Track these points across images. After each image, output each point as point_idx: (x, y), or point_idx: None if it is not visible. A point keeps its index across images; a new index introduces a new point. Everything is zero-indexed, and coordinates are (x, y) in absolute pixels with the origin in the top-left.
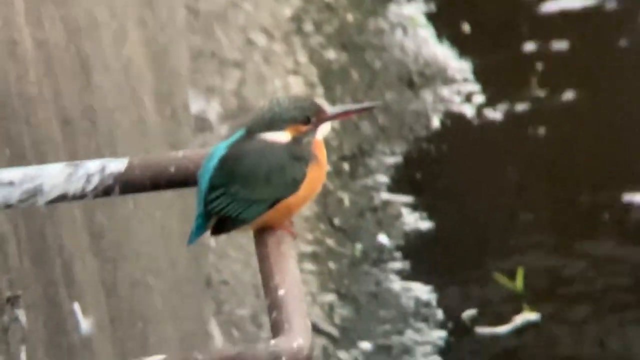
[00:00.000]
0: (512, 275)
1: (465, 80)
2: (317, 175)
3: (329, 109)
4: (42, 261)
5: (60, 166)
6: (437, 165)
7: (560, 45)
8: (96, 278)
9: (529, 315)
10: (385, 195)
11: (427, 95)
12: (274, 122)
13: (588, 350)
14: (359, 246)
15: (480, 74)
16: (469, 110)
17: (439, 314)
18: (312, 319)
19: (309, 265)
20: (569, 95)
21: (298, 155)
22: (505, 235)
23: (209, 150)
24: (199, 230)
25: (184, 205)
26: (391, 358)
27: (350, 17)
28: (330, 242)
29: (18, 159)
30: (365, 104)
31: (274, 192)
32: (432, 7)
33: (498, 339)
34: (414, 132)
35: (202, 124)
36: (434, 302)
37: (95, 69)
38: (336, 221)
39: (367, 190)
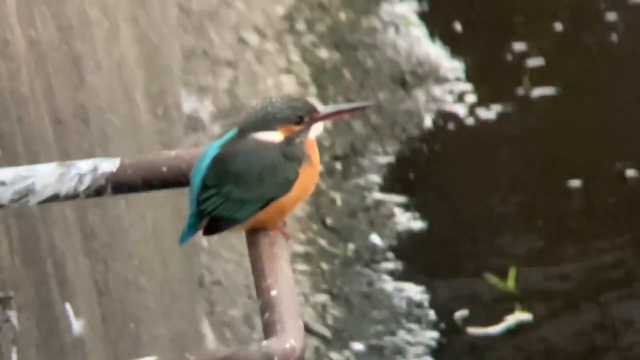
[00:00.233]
0: (504, 275)
1: (458, 79)
2: (309, 175)
3: (322, 108)
4: (34, 261)
5: (52, 166)
6: (430, 164)
7: (551, 44)
8: (88, 278)
9: (520, 315)
10: (377, 195)
11: (420, 95)
12: (266, 122)
13: (580, 349)
14: (351, 246)
15: (472, 73)
16: (461, 110)
17: (431, 315)
18: (305, 320)
19: (302, 266)
20: (560, 94)
21: (291, 155)
22: (498, 235)
23: (201, 150)
24: (191, 229)
25: (176, 205)
26: (383, 358)
27: (342, 16)
28: (322, 242)
29: (10, 159)
30: (358, 104)
31: (267, 192)
32: (425, 6)
33: (490, 339)
34: (406, 131)
35: (194, 123)
36: (426, 303)
37: (87, 67)
38: (329, 221)
39: (360, 190)
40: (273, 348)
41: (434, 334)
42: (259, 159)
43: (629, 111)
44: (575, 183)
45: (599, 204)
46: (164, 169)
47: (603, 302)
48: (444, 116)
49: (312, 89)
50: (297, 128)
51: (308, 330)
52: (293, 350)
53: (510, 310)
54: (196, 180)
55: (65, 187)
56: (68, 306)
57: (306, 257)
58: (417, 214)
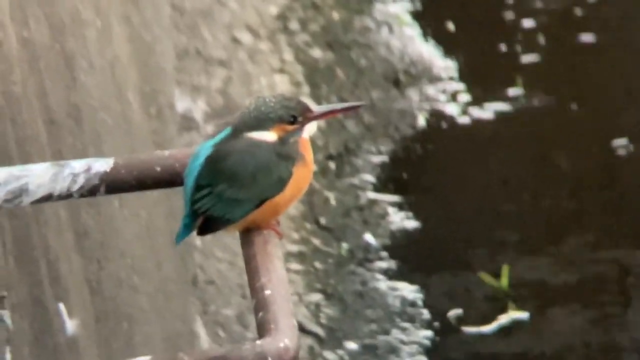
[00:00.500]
0: (497, 274)
1: (451, 78)
2: (303, 174)
3: (315, 108)
4: (27, 261)
5: (46, 166)
6: (423, 164)
7: (545, 43)
8: (81, 278)
9: (514, 314)
10: (371, 195)
11: (413, 94)
12: (260, 121)
13: (574, 348)
14: (345, 245)
15: (465, 73)
16: (454, 109)
17: (425, 314)
18: (298, 319)
19: (295, 265)
20: (554, 93)
21: (284, 154)
22: (491, 234)
23: (194, 150)
24: (185, 230)
25: (170, 204)
26: (377, 358)
27: (336, 15)
28: (316, 241)
29: (3, 159)
30: (351, 103)
31: (261, 192)
32: (418, 5)
33: (484, 338)
34: (399, 131)
35: (187, 123)
36: (419, 302)
37: (80, 67)
38: (322, 220)
39: (353, 189)
40: (267, 347)
41: (428, 333)
42: (252, 158)
43: (623, 110)
44: (568, 182)
45: (593, 204)
46: (158, 168)
47: (597, 300)
48: (438, 115)
49: (306, 89)
50: (290, 127)
51: (302, 329)
52: (287, 349)
53: (504, 309)
54: (190, 180)
55: (59, 187)
56: (61, 306)
57: (300, 257)
58: (410, 213)
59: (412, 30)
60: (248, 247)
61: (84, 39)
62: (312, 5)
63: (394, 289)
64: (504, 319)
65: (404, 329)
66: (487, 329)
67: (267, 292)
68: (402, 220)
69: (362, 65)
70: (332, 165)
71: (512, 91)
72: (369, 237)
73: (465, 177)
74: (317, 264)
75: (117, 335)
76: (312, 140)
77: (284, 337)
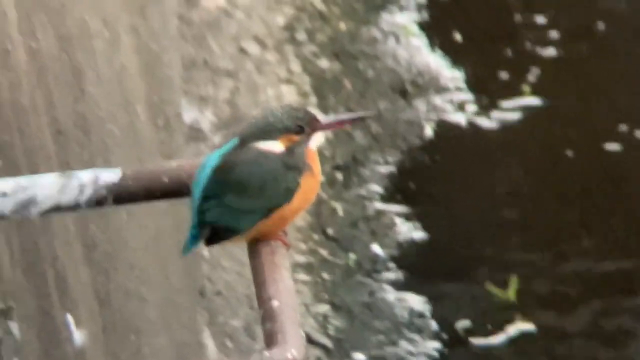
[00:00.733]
0: (505, 285)
1: (458, 89)
2: (310, 185)
3: (323, 118)
4: (35, 272)
5: (53, 177)
6: (431, 174)
7: (552, 52)
8: (89, 289)
9: (522, 325)
10: (378, 205)
11: (420, 104)
12: (267, 132)
13: (581, 358)
14: (352, 256)
15: (472, 83)
16: (461, 119)
17: (433, 325)
18: (306, 330)
19: (303, 276)
20: (561, 102)
21: (292, 165)
22: (499, 245)
23: (202, 160)
24: (193, 241)
25: (178, 215)
26: None
27: (343, 26)
28: (323, 252)
29: (11, 169)
30: (359, 114)
31: (268, 202)
32: (425, 16)
33: (492, 349)
34: (407, 141)
35: (195, 134)
36: (427, 313)
37: (87, 78)
38: (330, 231)
39: (361, 200)
40: (274, 358)
41: (436, 344)
42: (259, 168)
43: (630, 119)
44: (575, 192)
45: (600, 213)
46: (165, 179)
47: (605, 312)
48: (445, 126)
49: (313, 99)
50: (297, 138)
51: (309, 340)
52: None
53: (512, 320)
54: (197, 190)
55: (67, 198)
56: (69, 317)
57: (307, 267)
58: (418, 224)
59: (419, 41)
60: (255, 258)
61: (91, 50)
62: (319, 15)
63: (401, 299)
64: (511, 330)
65: (411, 340)
66: (494, 340)
67: (275, 302)
68: (409, 230)
69: (369, 76)
70: (339, 175)
71: (520, 101)
72: (376, 248)
73: (473, 187)
74: (325, 275)
75: (125, 346)
76: (320, 151)
77: (292, 348)
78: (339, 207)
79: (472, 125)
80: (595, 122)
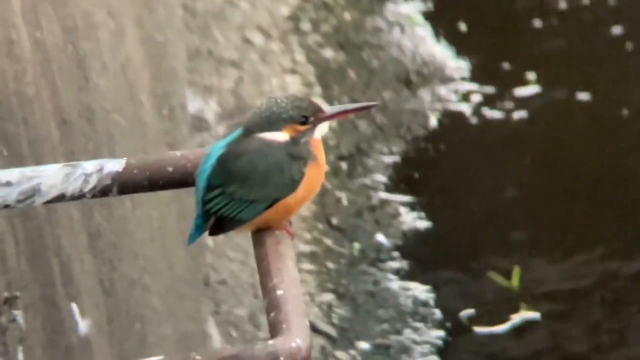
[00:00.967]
0: (509, 274)
1: (463, 79)
2: (315, 174)
3: (327, 108)
4: (39, 262)
5: (58, 166)
6: (435, 164)
7: (557, 43)
8: (94, 278)
9: (526, 314)
10: (383, 195)
11: (425, 94)
12: (271, 122)
13: (586, 348)
14: (357, 246)
15: (477, 73)
16: (466, 109)
17: (437, 314)
18: (310, 319)
19: (307, 265)
20: (567, 93)
21: (296, 154)
22: (503, 234)
23: (206, 150)
24: (198, 230)
25: (182, 205)
26: (389, 358)
27: (347, 15)
28: (328, 241)
29: (16, 159)
30: (363, 104)
31: (272, 192)
32: (430, 6)
33: (496, 338)
34: (411, 131)
35: (199, 124)
36: (431, 302)
37: (92, 68)
38: (334, 221)
39: (365, 189)
40: (279, 347)
41: (440, 333)
42: (264, 158)
43: (636, 111)
44: (580, 182)
45: (604, 204)
46: (170, 169)
47: (609, 300)
48: (450, 116)
49: (317, 89)
50: (302, 128)
51: (314, 329)
52: (299, 349)
53: (516, 309)
54: (201, 180)
55: (71, 188)
56: (74, 306)
57: (312, 257)
58: (422, 214)
59: (424, 31)
60: (260, 248)
61: (96, 40)
62: (324, 5)
63: (405, 289)
64: (516, 319)
65: (416, 329)
66: (499, 329)
67: (279, 292)
68: (414, 220)
69: (374, 66)
70: (344, 165)
71: (525, 91)
72: (380, 237)
73: (477, 177)
74: (329, 264)
75: (129, 335)
76: (324, 141)
77: (296, 337)
78: (344, 197)
79: (477, 115)
80: (602, 112)
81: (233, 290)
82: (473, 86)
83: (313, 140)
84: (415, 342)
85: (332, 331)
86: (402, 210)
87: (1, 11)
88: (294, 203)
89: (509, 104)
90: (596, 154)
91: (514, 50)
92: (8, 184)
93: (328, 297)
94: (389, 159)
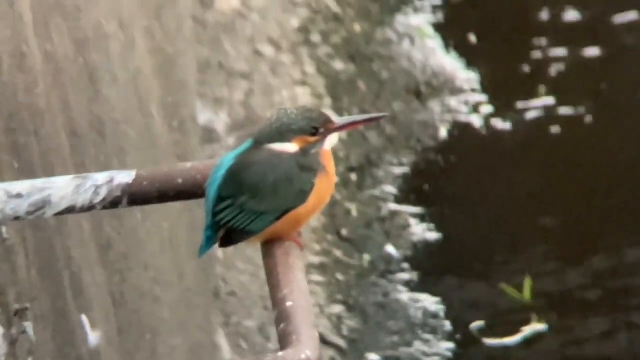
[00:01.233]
0: (520, 286)
1: (473, 90)
2: (325, 186)
3: (337, 119)
4: (50, 273)
5: (69, 178)
6: (445, 175)
7: (567, 54)
8: (104, 290)
9: (537, 326)
10: (393, 206)
11: (435, 106)
12: (281, 133)
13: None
14: (366, 257)
15: (487, 84)
16: (476, 121)
17: (447, 325)
18: (320, 331)
19: (317, 277)
20: (577, 104)
21: (306, 166)
22: (514, 246)
23: (216, 161)
24: (208, 242)
25: (192, 216)
26: None
27: (357, 27)
28: (337, 253)
29: (26, 171)
30: (373, 115)
31: (282, 203)
32: (440, 17)
33: (507, 350)
34: (421, 142)
35: (209, 135)
36: (442, 313)
37: (103, 80)
38: (344, 232)
39: (375, 201)
40: (289, 359)
41: (450, 345)
42: (274, 169)
43: None
44: (592, 193)
45: (616, 214)
46: (180, 180)
47: (620, 312)
48: (460, 127)
49: (327, 101)
50: (312, 139)
51: (324, 341)
52: None
53: (527, 321)
54: (211, 191)
55: (82, 199)
56: (84, 317)
57: (321, 268)
58: (432, 225)
59: (434, 42)
60: (269, 259)
61: (107, 52)
62: (334, 17)
63: (415, 300)
64: (527, 331)
65: (426, 341)
66: (510, 340)
67: (289, 303)
68: (424, 231)
69: (384, 77)
70: (353, 176)
71: (535, 102)
72: (390, 249)
73: (488, 188)
74: (339, 276)
75: (140, 347)
76: (334, 152)
77: (306, 349)
78: (353, 208)
79: (487, 127)
80: (615, 123)
81: (243, 301)
82: (483, 97)
83: (323, 151)
84: (426, 354)
85: (342, 343)
86: (412, 221)
87: (12, 23)
88: (304, 214)
89: (519, 116)
90: (607, 165)
91: (523, 61)
92: (19, 195)
93: (338, 308)
94: (399, 170)
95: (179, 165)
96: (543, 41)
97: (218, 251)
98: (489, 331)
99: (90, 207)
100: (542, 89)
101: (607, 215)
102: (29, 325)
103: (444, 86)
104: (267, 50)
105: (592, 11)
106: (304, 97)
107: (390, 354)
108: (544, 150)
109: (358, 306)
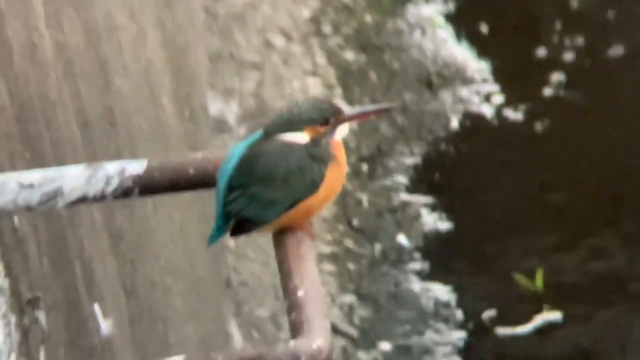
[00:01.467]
0: (531, 275)
1: (484, 80)
2: (336, 176)
3: (348, 110)
4: (62, 263)
5: (80, 168)
6: (456, 165)
7: (579, 43)
8: (116, 279)
9: (549, 315)
10: (404, 196)
11: (446, 96)
12: (292, 123)
13: (608, 349)
14: (378, 247)
15: (499, 74)
16: (488, 111)
17: (459, 315)
18: (332, 320)
19: (328, 266)
20: (589, 95)
21: (317, 156)
22: (525, 235)
23: (227, 152)
24: (219, 231)
25: (203, 206)
26: (411, 359)
27: (368, 18)
28: (349, 242)
29: (38, 161)
30: (384, 105)
31: (293, 194)
32: (451, 7)
33: (518, 339)
34: (432, 132)
35: (220, 126)
36: (453, 303)
37: (114, 71)
38: (355, 222)
39: (386, 191)
40: (300, 348)
41: (462, 334)
42: (284, 160)
43: None
44: (603, 183)
45: (628, 204)
46: (191, 170)
47: (632, 300)
48: (471, 117)
49: (338, 91)
50: (322, 129)
51: (335, 330)
52: (320, 350)
53: (539, 310)
54: (222, 181)
55: (93, 189)
56: (96, 307)
57: (333, 258)
58: (443, 215)
59: (445, 33)
60: (281, 248)
61: (118, 43)
62: (345, 8)
63: (427, 290)
64: (538, 320)
65: (437, 330)
66: (521, 329)
67: (300, 293)
68: (435, 221)
69: (395, 68)
70: (364, 167)
71: (546, 92)
72: (402, 239)
73: (499, 178)
74: (350, 265)
75: (151, 336)
76: (345, 142)
77: (317, 338)
78: (364, 198)
79: (498, 117)
80: (626, 114)
81: (254, 291)
82: (494, 87)
83: (334, 141)
84: (437, 343)
85: (353, 332)
86: (423, 211)
87: (24, 15)
88: (315, 204)
89: (530, 105)
90: (620, 154)
91: (535, 51)
92: (30, 185)
93: (349, 298)
94: (410, 161)
95: (190, 155)
96: (554, 30)
97: (229, 241)
98: (501, 320)
99: (101, 197)
100: (553, 78)
101: (620, 204)
102: (41, 315)
103: (455, 76)
104: (278, 40)
105: (604, 0)
106: (314, 87)
107: (401, 343)
108: (556, 140)
109: (369, 295)
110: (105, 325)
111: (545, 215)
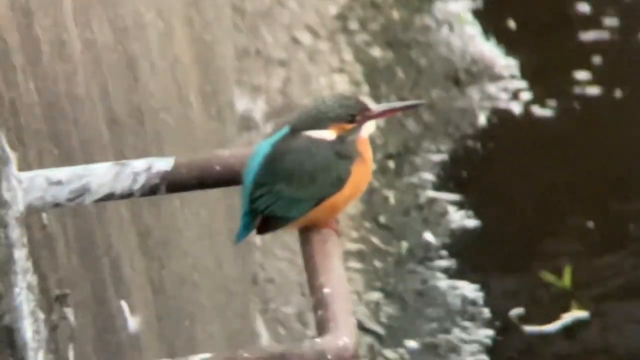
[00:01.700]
0: (560, 273)
1: (512, 77)
2: (362, 173)
3: (374, 107)
4: (90, 260)
5: (108, 165)
6: (484, 163)
7: (608, 40)
8: (144, 276)
9: (577, 314)
10: (430, 193)
11: (474, 93)
12: (318, 120)
13: (637, 348)
14: (404, 244)
15: (527, 71)
16: (516, 108)
17: (486, 313)
18: (358, 318)
19: (355, 264)
20: (618, 92)
21: (343, 153)
22: (553, 233)
23: (254, 149)
24: (245, 228)
25: (230, 203)
26: (438, 357)
27: (395, 14)
28: (375, 240)
29: (66, 159)
30: (411, 102)
31: (319, 191)
32: (479, 3)
33: (546, 338)
34: (460, 129)
35: (247, 123)
36: (480, 301)
37: (142, 68)
38: (382, 219)
39: (413, 188)
40: (326, 345)
41: (489, 332)
42: (311, 157)
43: None
44: (633, 181)
45: None
46: (218, 167)
47: None
48: (499, 114)
49: (365, 88)
50: (349, 126)
51: (361, 327)
52: (346, 347)
53: (567, 308)
54: (248, 178)
55: (120, 186)
56: (124, 304)
57: (359, 255)
58: (471, 212)
59: (473, 29)
60: (307, 246)
61: (146, 40)
62: (372, 4)
63: (454, 287)
64: (566, 318)
65: (464, 328)
66: (549, 328)
67: (327, 290)
68: (462, 219)
69: (422, 64)
70: (391, 164)
71: (575, 89)
72: (429, 236)
73: (527, 175)
74: (377, 263)
75: (179, 333)
76: (371, 139)
77: (344, 335)
78: (391, 195)
79: (526, 114)
80: None
81: (281, 288)
82: (522, 84)
83: (360, 138)
84: (464, 341)
85: (380, 330)
86: (451, 208)
87: (53, 12)
88: (341, 201)
89: (558, 102)
90: None
91: (563, 47)
92: (59, 182)
93: (376, 295)
94: (437, 158)
95: (217, 153)
96: (583, 27)
97: (256, 238)
98: (528, 318)
99: (129, 194)
100: (582, 75)
101: None
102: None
103: (483, 73)
104: (305, 37)
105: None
106: (341, 84)
107: (428, 341)
108: (584, 138)
109: (396, 293)
110: (133, 322)
111: (574, 212)
